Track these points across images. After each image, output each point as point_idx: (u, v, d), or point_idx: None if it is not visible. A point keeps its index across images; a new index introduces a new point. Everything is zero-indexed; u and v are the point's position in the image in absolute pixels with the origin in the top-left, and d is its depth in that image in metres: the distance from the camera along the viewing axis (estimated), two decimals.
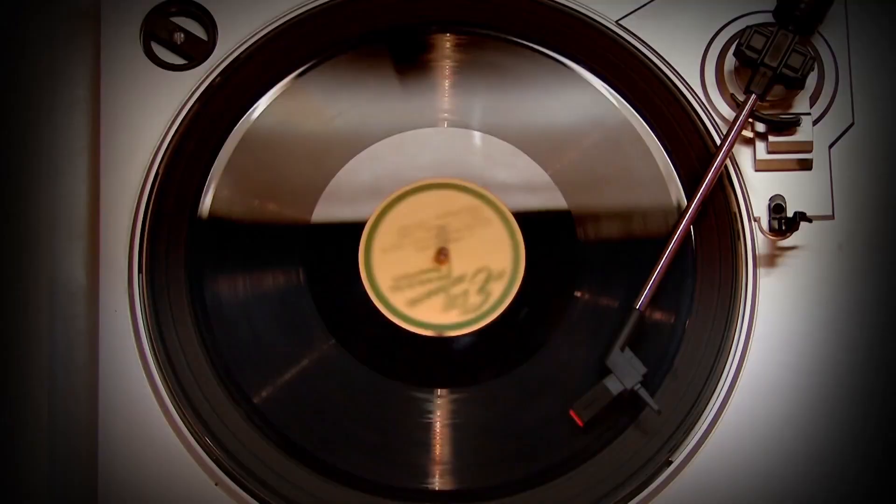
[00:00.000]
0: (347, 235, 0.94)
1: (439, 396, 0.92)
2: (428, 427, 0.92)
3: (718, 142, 0.93)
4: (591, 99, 0.96)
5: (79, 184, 0.98)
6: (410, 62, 0.97)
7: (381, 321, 0.93)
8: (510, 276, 0.94)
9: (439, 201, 0.95)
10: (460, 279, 0.94)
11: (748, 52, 0.92)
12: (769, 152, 0.93)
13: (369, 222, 0.95)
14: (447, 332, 0.93)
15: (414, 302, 0.93)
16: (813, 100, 0.94)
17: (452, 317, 0.93)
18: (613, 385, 0.89)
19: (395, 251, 0.94)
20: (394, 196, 0.95)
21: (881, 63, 0.95)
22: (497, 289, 0.93)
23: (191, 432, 0.91)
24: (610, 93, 0.96)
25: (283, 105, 0.96)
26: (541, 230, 0.94)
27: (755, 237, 0.93)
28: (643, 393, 0.89)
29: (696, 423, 0.91)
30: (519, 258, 0.94)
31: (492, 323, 0.93)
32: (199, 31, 0.97)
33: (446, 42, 0.97)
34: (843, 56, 0.95)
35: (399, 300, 0.93)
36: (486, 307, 0.93)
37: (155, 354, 0.92)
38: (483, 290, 0.93)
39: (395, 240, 0.94)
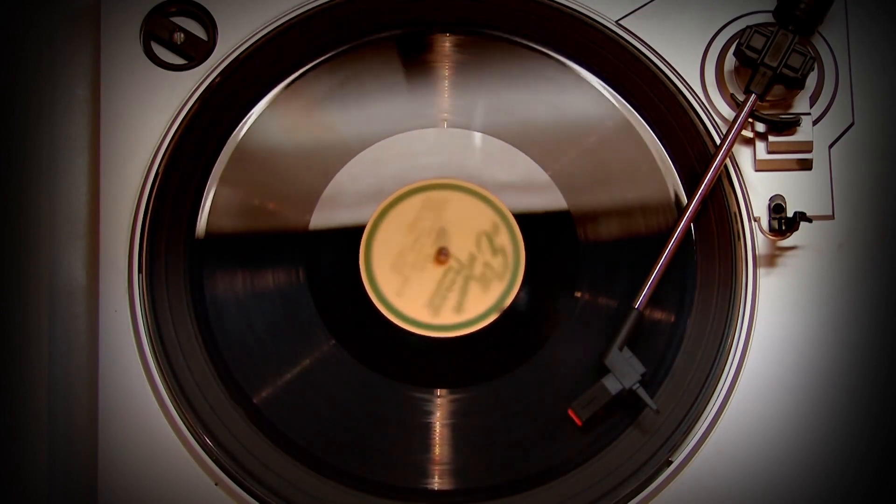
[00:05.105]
0: (348, 235, 0.94)
1: (439, 396, 0.92)
2: (428, 427, 0.92)
3: (718, 142, 0.93)
4: (591, 99, 0.96)
5: (79, 184, 0.98)
6: (411, 62, 0.97)
7: (382, 321, 0.93)
8: (511, 276, 0.94)
9: (439, 202, 0.95)
10: (461, 269, 0.94)
11: (748, 52, 0.92)
12: (769, 152, 0.93)
13: (369, 223, 0.95)
14: (447, 332, 0.93)
15: (412, 302, 0.93)
16: (813, 100, 0.94)
17: (452, 317, 0.93)
18: (612, 384, 0.89)
19: (396, 251, 0.94)
20: (394, 196, 0.95)
21: (881, 63, 0.95)
22: (489, 298, 0.93)
23: (191, 432, 0.91)
24: (610, 93, 0.96)
25: (283, 105, 0.96)
26: (541, 230, 0.94)
27: (755, 237, 0.93)
28: (642, 392, 0.89)
29: (696, 423, 0.91)
30: (519, 258, 0.94)
31: (491, 323, 0.93)
32: (199, 31, 0.97)
33: (446, 42, 0.97)
34: (843, 56, 0.95)
35: (399, 300, 0.93)
36: (474, 313, 0.93)
37: (155, 354, 0.92)
38: (489, 266, 0.93)
39: (396, 240, 0.94)
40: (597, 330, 0.92)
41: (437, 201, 0.95)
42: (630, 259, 0.93)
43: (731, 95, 0.94)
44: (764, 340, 0.92)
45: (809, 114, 0.93)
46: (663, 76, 0.96)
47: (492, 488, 0.91)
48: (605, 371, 0.90)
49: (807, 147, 0.93)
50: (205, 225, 0.94)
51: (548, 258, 0.94)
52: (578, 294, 0.93)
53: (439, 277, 0.94)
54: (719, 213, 0.93)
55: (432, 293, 0.94)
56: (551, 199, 0.95)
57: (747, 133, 0.94)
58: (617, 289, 0.93)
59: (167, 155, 0.95)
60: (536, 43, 0.97)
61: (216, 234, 0.94)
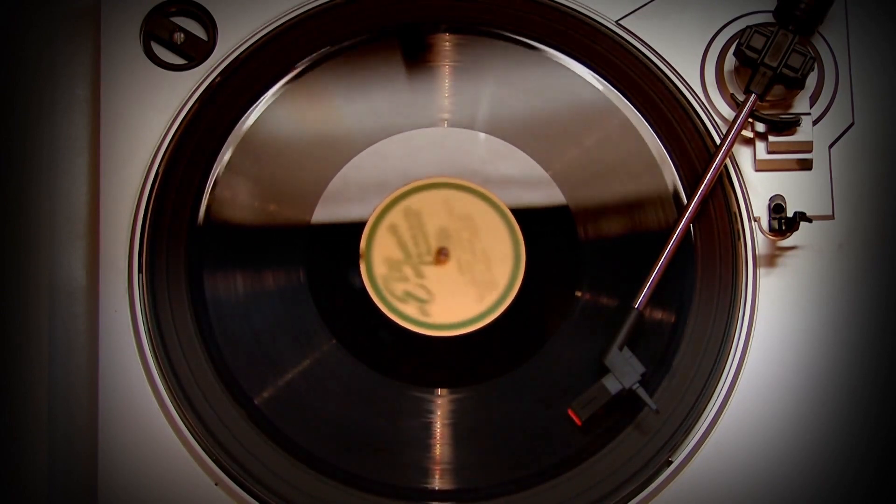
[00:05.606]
0: (348, 235, 0.94)
1: (439, 396, 0.92)
2: (428, 427, 0.92)
3: (718, 142, 0.93)
4: (592, 98, 0.96)
5: (79, 184, 0.98)
6: (411, 62, 0.97)
7: (383, 321, 0.93)
8: (511, 276, 0.94)
9: (440, 201, 0.95)
10: (461, 269, 0.94)
11: (748, 52, 0.92)
12: (769, 152, 0.93)
13: (370, 222, 0.95)
14: (447, 331, 0.93)
15: (413, 301, 0.93)
16: (813, 100, 0.94)
17: (452, 317, 0.93)
18: (612, 384, 0.89)
19: (396, 250, 0.94)
20: (394, 195, 0.95)
21: (881, 63, 0.95)
22: (489, 298, 0.93)
23: (191, 432, 0.91)
24: (610, 92, 0.96)
25: (282, 105, 0.96)
26: (541, 229, 0.94)
27: (755, 237, 0.93)
28: (641, 392, 0.89)
29: (696, 423, 0.91)
30: (519, 258, 0.94)
31: (492, 323, 0.93)
32: (199, 31, 0.97)
33: (446, 42, 0.97)
34: (843, 56, 0.95)
35: (400, 300, 0.93)
36: (474, 313, 0.93)
37: (155, 354, 0.92)
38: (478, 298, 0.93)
39: (396, 239, 0.94)
40: (597, 330, 0.92)
41: (437, 201, 0.95)
42: (630, 258, 0.93)
43: (731, 95, 0.94)
44: (764, 340, 0.92)
45: (809, 114, 0.93)
46: (663, 76, 0.96)
47: (492, 488, 0.91)
48: (605, 371, 0.90)
49: (807, 147, 0.93)
50: (205, 225, 0.94)
51: (548, 257, 0.94)
52: (579, 293, 0.93)
53: (439, 277, 0.94)
54: (719, 212, 0.93)
55: (432, 293, 0.94)
56: (552, 198, 0.95)
57: (747, 133, 0.94)
58: (617, 288, 0.93)
59: (167, 155, 0.95)
60: (537, 42, 0.96)
61: (216, 233, 0.94)
